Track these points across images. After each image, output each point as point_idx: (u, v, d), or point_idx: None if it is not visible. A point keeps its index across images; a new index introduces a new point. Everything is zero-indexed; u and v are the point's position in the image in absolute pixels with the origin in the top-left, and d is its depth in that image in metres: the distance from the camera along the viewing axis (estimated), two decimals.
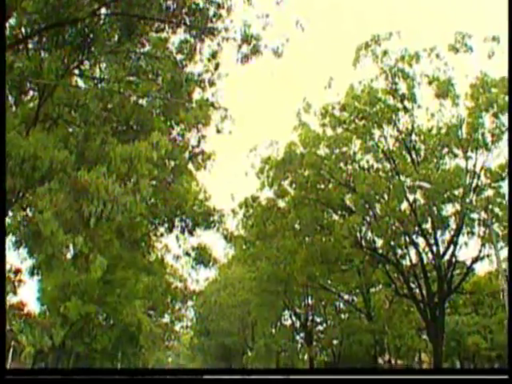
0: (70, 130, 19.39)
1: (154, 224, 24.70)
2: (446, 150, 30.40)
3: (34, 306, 45.91)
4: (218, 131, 22.80)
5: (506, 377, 5.71)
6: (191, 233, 26.15)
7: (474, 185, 29.81)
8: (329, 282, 42.94)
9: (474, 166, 29.85)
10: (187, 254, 29.48)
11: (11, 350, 59.08)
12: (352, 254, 32.54)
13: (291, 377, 5.18)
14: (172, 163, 20.23)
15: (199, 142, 22.84)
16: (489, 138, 29.17)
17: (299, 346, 59.66)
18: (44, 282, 32.27)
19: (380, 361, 42.32)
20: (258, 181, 32.29)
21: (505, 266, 25.97)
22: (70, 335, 34.17)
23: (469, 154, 29.79)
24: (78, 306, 29.24)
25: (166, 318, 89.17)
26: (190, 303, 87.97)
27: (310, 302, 55.13)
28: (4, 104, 13.66)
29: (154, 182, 19.42)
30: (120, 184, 14.12)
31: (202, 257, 29.01)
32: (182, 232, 25.59)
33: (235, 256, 50.95)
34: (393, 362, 61.77)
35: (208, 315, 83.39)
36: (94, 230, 22.11)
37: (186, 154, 21.96)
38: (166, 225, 25.34)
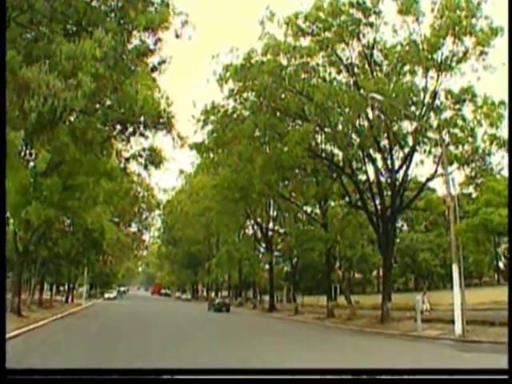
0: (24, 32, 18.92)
1: (106, 125, 24.50)
2: (407, 67, 30.36)
3: None
4: (177, 36, 22.52)
5: (505, 377, 6.09)
6: (143, 135, 26.16)
7: (433, 105, 30.08)
8: (293, 194, 43.90)
9: (435, 86, 29.98)
10: (139, 155, 29.72)
11: None
12: (307, 163, 33.14)
13: (291, 377, 5.51)
14: (122, 64, 19.97)
15: (156, 44, 22.46)
16: (450, 59, 29.17)
17: (260, 255, 61.69)
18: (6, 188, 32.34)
19: (339, 272, 44.05)
20: (219, 88, 31.93)
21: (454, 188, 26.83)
22: (34, 241, 34.66)
23: (430, 74, 29.88)
24: (38, 210, 29.43)
25: (134, 228, 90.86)
26: (157, 212, 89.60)
27: (271, 212, 56.68)
28: (4, 104, 13.42)
29: (106, 83, 19.33)
30: (61, 80, 14.10)
31: (152, 158, 29.19)
32: (133, 134, 25.55)
33: (200, 165, 51.49)
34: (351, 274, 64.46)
35: (174, 224, 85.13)
36: (49, 133, 22.23)
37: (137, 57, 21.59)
38: (119, 127, 25.28)
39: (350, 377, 5.69)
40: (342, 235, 37.96)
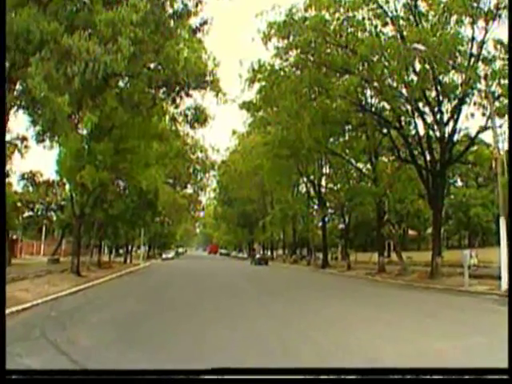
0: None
1: (151, 87, 24.93)
2: (454, 17, 29.31)
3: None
4: None
5: (506, 377, 6.21)
6: (188, 94, 26.50)
7: (481, 55, 29.08)
8: (346, 151, 43.78)
9: (484, 36, 28.88)
10: (185, 114, 30.22)
11: (44, 229, 62.79)
12: (353, 117, 33.01)
13: (295, 377, 5.66)
14: (163, 27, 20.32)
15: (196, 6, 22.70)
16: (498, 7, 27.80)
17: (314, 212, 62.20)
18: (60, 154, 33.74)
19: (391, 229, 43.81)
20: (264, 45, 31.89)
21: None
22: (90, 204, 36.00)
23: (478, 23, 28.80)
24: (92, 173, 30.65)
25: (190, 190, 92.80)
26: (212, 173, 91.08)
27: (324, 169, 56.89)
28: (4, 104, 14.09)
29: (147, 47, 19.86)
30: (101, 45, 14.75)
31: (197, 116, 29.60)
32: (178, 94, 25.90)
33: (250, 124, 52.04)
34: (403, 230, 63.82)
35: (229, 184, 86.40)
36: (97, 98, 23.04)
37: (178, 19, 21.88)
38: (164, 88, 25.74)
39: (351, 377, 5.87)
40: (391, 189, 37.64)
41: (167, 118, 32.28)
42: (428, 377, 5.69)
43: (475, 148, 35.66)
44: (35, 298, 18.47)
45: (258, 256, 75.48)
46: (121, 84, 26.79)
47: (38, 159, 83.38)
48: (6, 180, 36.60)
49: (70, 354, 9.31)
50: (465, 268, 24.95)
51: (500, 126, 27.07)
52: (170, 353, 9.90)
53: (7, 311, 14.85)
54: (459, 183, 56.58)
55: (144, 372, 6.20)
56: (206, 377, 5.65)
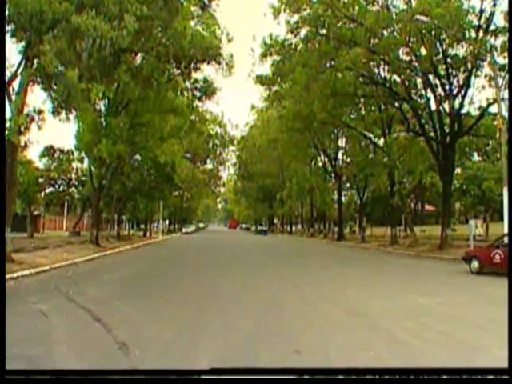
0: None
1: (160, 61, 25.49)
2: None
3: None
4: None
5: (506, 377, 6.38)
6: (195, 68, 27.04)
7: (489, 28, 28.79)
8: (362, 123, 44.05)
9: (494, 7, 28.62)
10: (195, 88, 30.82)
11: (66, 205, 64.04)
12: (359, 88, 33.43)
13: (294, 377, 5.66)
14: (171, 4, 20.89)
15: None
16: None
17: (330, 184, 62.77)
18: (78, 129, 34.67)
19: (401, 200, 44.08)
20: (273, 18, 32.38)
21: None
22: (107, 176, 37.11)
23: None
24: (109, 147, 31.59)
25: (210, 165, 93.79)
26: (231, 148, 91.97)
27: (340, 143, 57.41)
28: (4, 102, 14.91)
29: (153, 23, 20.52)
30: (107, 22, 15.54)
31: (204, 88, 30.17)
32: (186, 68, 26.43)
33: (266, 98, 52.39)
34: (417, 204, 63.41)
35: (248, 159, 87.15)
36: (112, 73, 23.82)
37: None
38: (174, 64, 26.32)
39: (350, 377, 6.03)
40: (401, 161, 37.91)
41: (180, 91, 33.01)
42: (427, 377, 5.93)
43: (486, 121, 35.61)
44: (53, 263, 19.75)
45: (259, 228, 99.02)
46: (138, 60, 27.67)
47: (55, 138, 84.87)
48: (28, 155, 37.53)
49: (77, 302, 10.76)
50: (470, 237, 25.41)
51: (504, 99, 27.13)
52: (169, 302, 11.08)
53: (26, 272, 16.07)
54: (476, 158, 56.11)
55: (143, 372, 6.35)
56: (206, 377, 5.49)
